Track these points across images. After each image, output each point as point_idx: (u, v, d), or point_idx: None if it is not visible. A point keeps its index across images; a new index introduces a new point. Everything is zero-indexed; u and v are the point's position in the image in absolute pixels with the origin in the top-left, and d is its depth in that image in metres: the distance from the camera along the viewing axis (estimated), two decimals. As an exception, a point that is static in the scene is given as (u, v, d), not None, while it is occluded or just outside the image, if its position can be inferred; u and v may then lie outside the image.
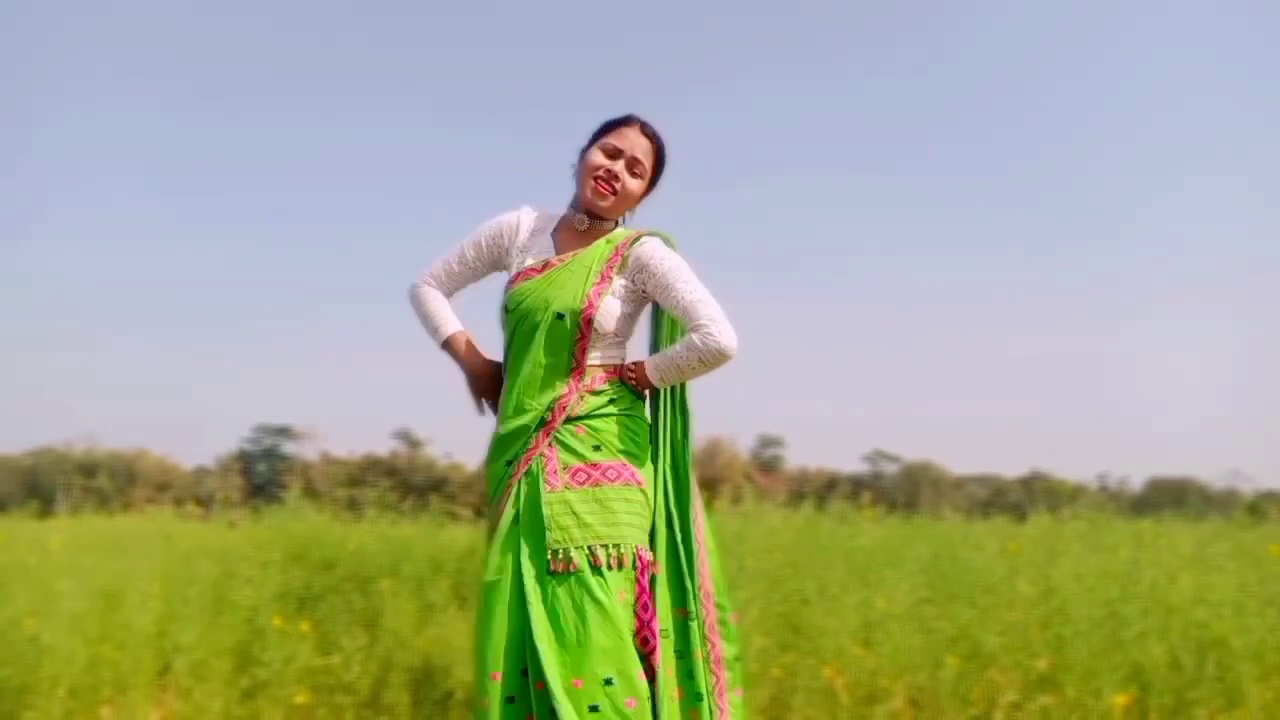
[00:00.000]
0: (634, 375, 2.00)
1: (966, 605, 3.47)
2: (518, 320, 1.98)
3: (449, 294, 2.12)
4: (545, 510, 1.87)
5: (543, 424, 1.93)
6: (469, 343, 2.08)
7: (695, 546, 1.98)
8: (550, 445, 1.93)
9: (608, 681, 1.77)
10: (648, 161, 2.02)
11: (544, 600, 1.82)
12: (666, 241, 2.04)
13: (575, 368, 1.96)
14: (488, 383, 2.07)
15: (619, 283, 1.99)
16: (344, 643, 3.24)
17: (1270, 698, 2.86)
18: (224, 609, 3.52)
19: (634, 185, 2.02)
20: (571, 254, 2.01)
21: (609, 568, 1.85)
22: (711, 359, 1.93)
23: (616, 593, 1.85)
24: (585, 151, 2.04)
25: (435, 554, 4.61)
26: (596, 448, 1.94)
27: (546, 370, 1.95)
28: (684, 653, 1.94)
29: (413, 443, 44.60)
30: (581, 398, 1.96)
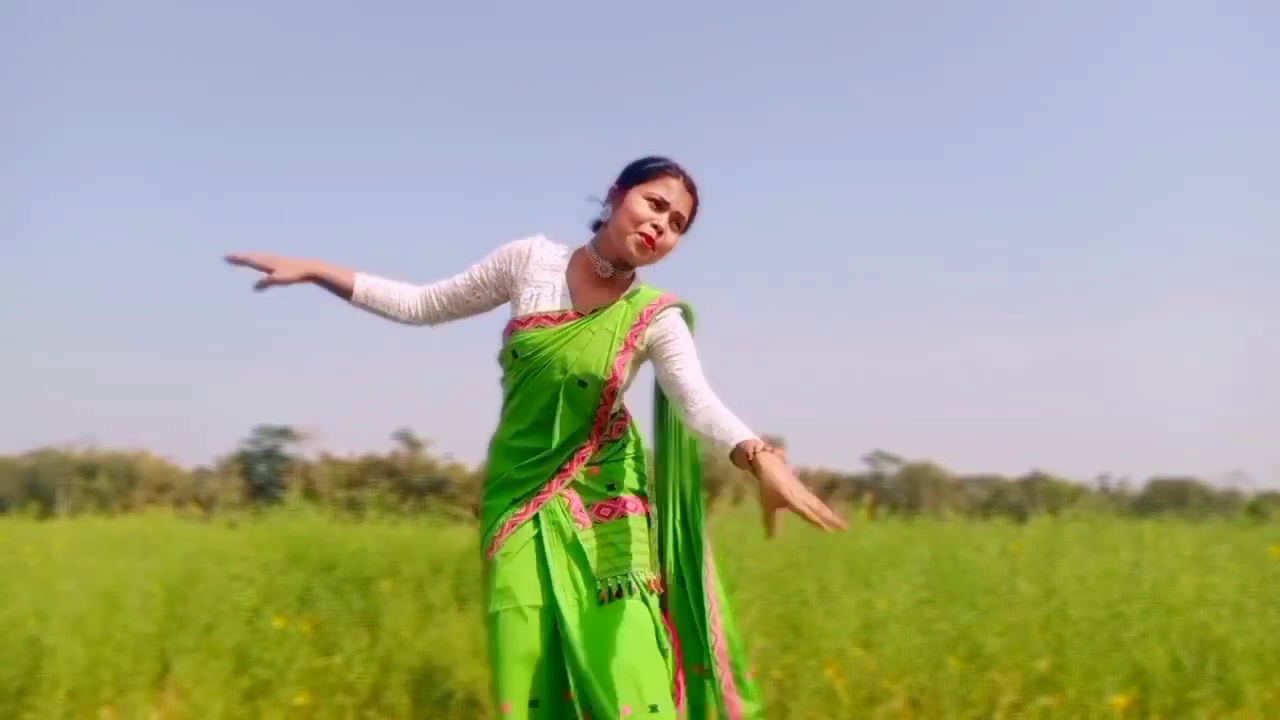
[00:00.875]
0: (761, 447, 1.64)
1: (967, 606, 3.46)
2: (528, 370, 1.90)
3: (439, 311, 2.00)
4: (585, 545, 1.87)
5: (559, 470, 1.92)
6: (333, 270, 1.95)
7: (707, 604, 1.95)
8: (567, 488, 1.92)
9: (654, 708, 1.75)
10: (688, 216, 1.93)
11: (586, 631, 1.81)
12: (686, 312, 1.96)
13: (596, 421, 1.93)
14: (282, 270, 1.89)
15: (640, 350, 1.92)
16: (344, 644, 3.24)
17: (1270, 698, 2.85)
18: (224, 610, 3.52)
19: (673, 240, 1.91)
20: (591, 309, 1.91)
21: (653, 592, 1.88)
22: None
23: (658, 616, 1.87)
24: (620, 193, 1.90)
25: (435, 555, 4.61)
26: (611, 486, 1.94)
27: (565, 425, 1.90)
28: (699, 710, 1.94)
29: (413, 444, 44.63)
30: (600, 447, 1.95)
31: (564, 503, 1.91)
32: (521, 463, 1.92)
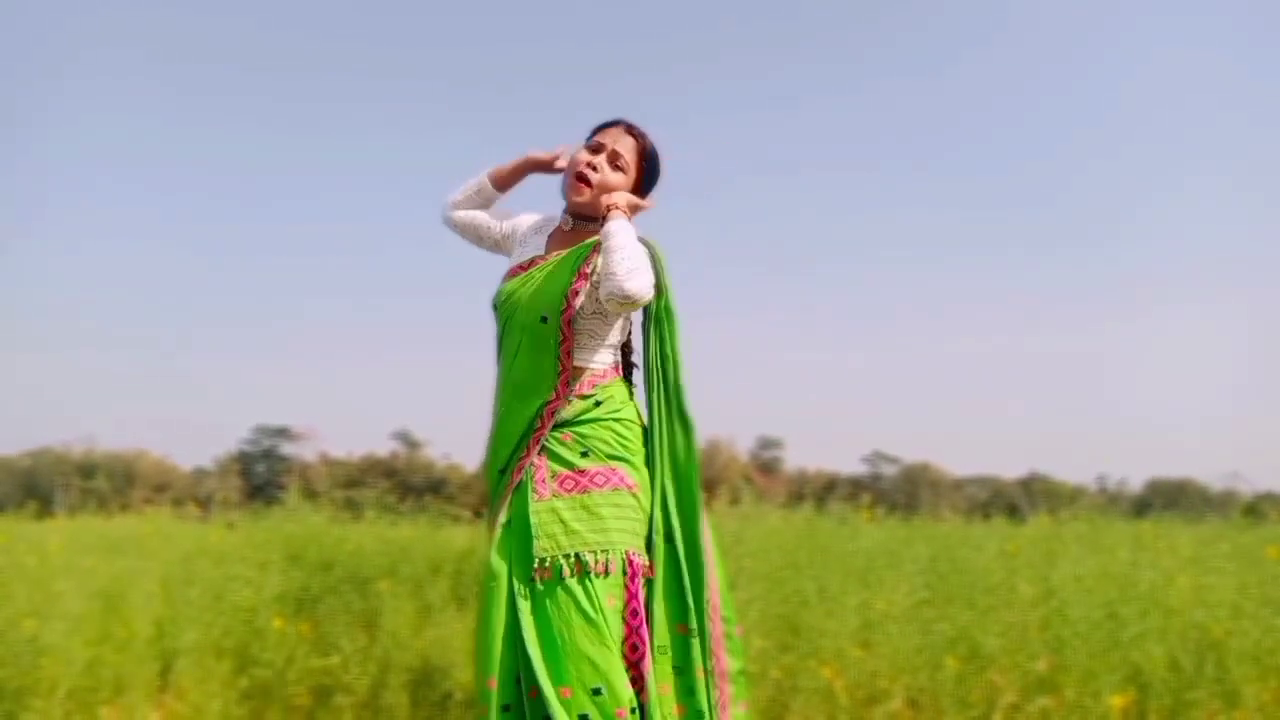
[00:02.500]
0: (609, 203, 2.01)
1: (966, 607, 3.47)
2: (505, 320, 2.01)
3: (463, 219, 2.21)
4: (532, 520, 1.86)
5: (531, 430, 1.93)
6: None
7: (703, 560, 1.96)
8: (539, 454, 1.92)
9: (595, 692, 1.77)
10: (631, 157, 2.03)
11: (532, 609, 1.82)
12: (650, 249, 2.01)
13: (562, 371, 1.94)
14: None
15: (594, 277, 1.96)
16: (343, 644, 3.24)
17: (1268, 699, 2.86)
18: (223, 610, 3.52)
19: (615, 178, 2.01)
20: (556, 255, 2.02)
21: (596, 575, 1.84)
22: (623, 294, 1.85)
23: (605, 599, 1.84)
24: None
25: (434, 555, 4.61)
26: (584, 454, 1.92)
27: (534, 375, 1.94)
28: (683, 669, 1.92)
29: (412, 443, 44.65)
30: (569, 402, 1.94)
31: (531, 471, 1.91)
32: (498, 421, 1.96)
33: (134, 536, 6.16)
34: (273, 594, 3.75)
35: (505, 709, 1.80)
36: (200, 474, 44.87)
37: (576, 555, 1.83)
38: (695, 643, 1.92)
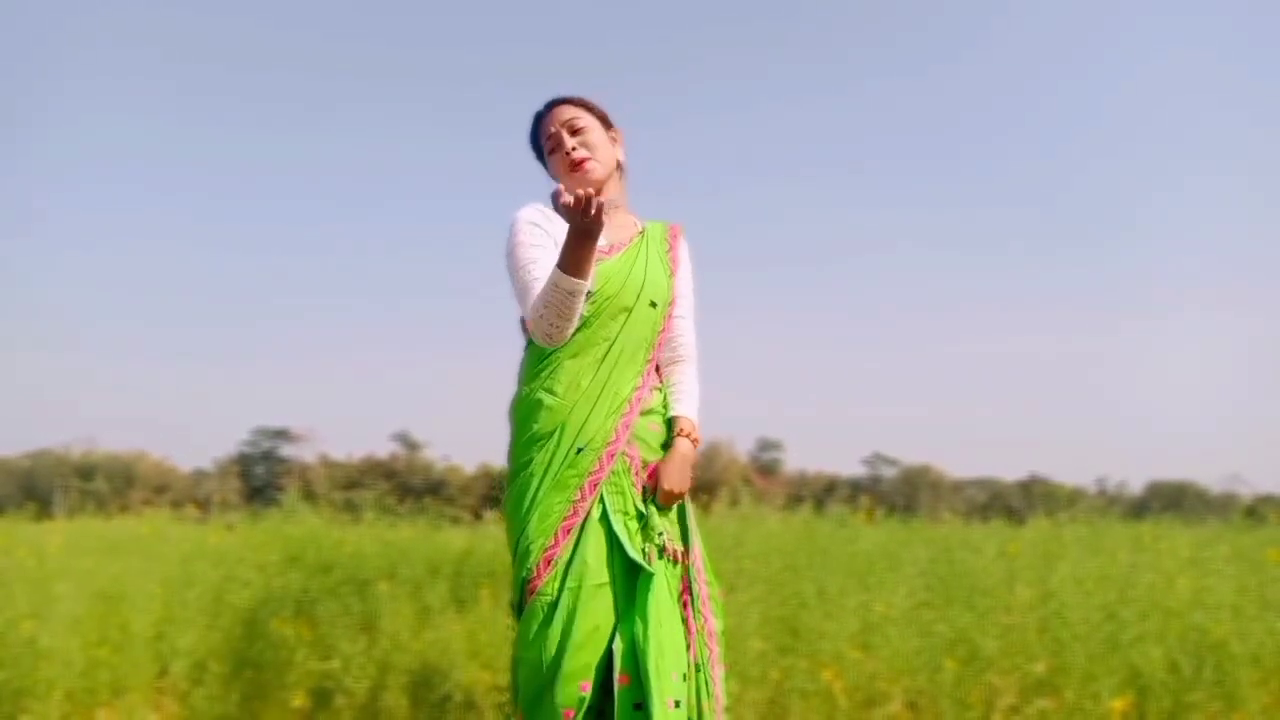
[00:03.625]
0: (688, 432, 1.97)
1: (965, 609, 3.46)
2: (603, 301, 1.90)
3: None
4: (644, 510, 1.88)
5: (621, 414, 1.89)
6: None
7: (691, 524, 1.99)
8: (630, 442, 1.90)
9: (684, 677, 1.80)
10: (576, 112, 1.99)
11: (641, 597, 1.81)
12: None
13: (651, 359, 1.95)
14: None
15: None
16: (342, 646, 3.23)
17: (1268, 701, 2.86)
18: (222, 612, 3.51)
19: (593, 138, 1.98)
20: (629, 237, 1.99)
21: (674, 562, 1.89)
22: None
23: (678, 586, 1.89)
24: (545, 167, 2.06)
25: (433, 557, 4.60)
26: (665, 445, 1.95)
27: (630, 359, 1.91)
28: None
29: (411, 445, 44.67)
30: (653, 390, 1.96)
31: (626, 462, 1.88)
32: (597, 398, 1.87)
33: (133, 538, 6.16)
34: (271, 596, 3.75)
35: (590, 709, 1.76)
36: (199, 475, 44.88)
37: (663, 543, 1.87)
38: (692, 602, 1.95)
